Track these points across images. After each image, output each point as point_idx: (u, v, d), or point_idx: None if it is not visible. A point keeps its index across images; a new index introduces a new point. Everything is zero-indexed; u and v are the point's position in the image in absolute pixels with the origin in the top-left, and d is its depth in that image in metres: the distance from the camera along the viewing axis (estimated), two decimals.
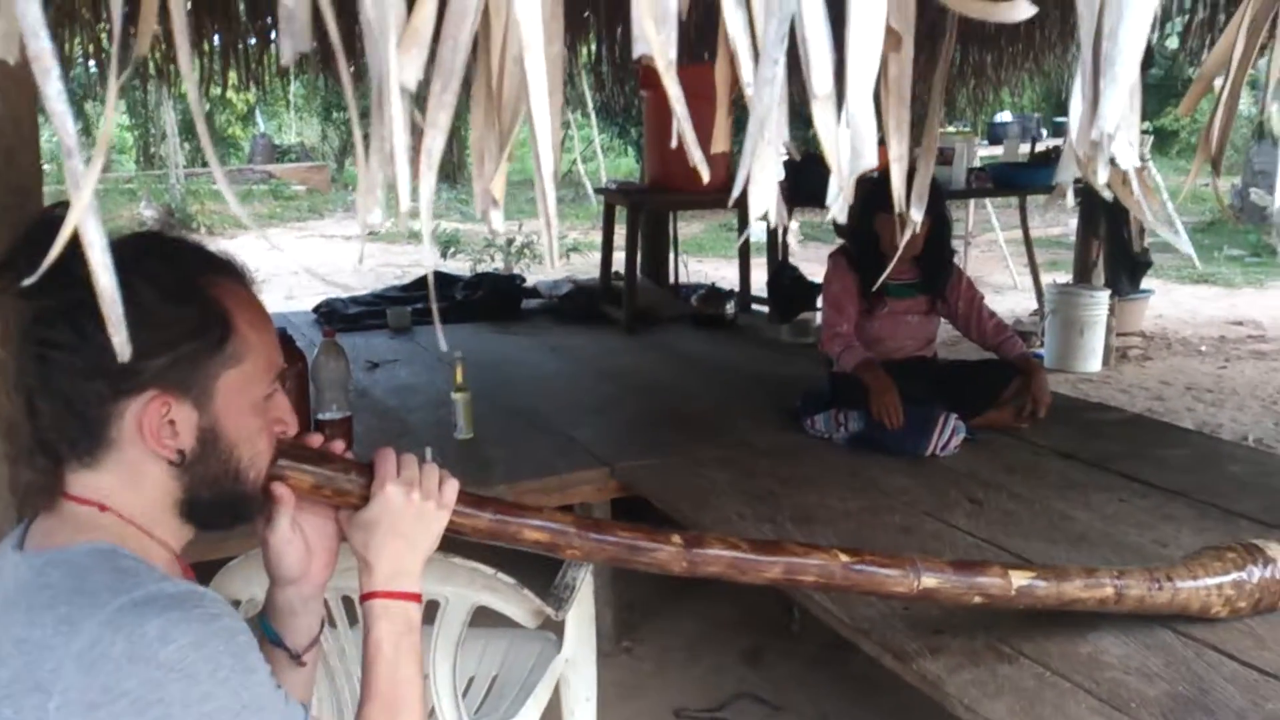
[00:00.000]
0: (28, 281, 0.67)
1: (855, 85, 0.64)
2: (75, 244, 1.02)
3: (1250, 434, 4.88)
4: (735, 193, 0.65)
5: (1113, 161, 0.69)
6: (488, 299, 5.38)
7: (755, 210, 0.65)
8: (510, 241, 9.49)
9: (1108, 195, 0.74)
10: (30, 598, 0.94)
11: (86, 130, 15.83)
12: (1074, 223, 8.44)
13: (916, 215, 0.72)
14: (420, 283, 5.95)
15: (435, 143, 0.58)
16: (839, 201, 0.67)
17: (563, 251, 9.95)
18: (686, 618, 3.18)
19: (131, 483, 1.04)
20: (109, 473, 1.03)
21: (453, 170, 16.09)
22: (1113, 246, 6.29)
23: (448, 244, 10.03)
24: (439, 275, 5.99)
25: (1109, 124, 0.64)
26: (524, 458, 3.06)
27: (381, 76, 0.59)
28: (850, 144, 0.65)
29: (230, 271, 1.11)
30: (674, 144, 0.66)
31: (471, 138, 0.64)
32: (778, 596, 3.07)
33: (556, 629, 1.98)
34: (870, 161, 0.67)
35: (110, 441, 1.02)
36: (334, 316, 5.11)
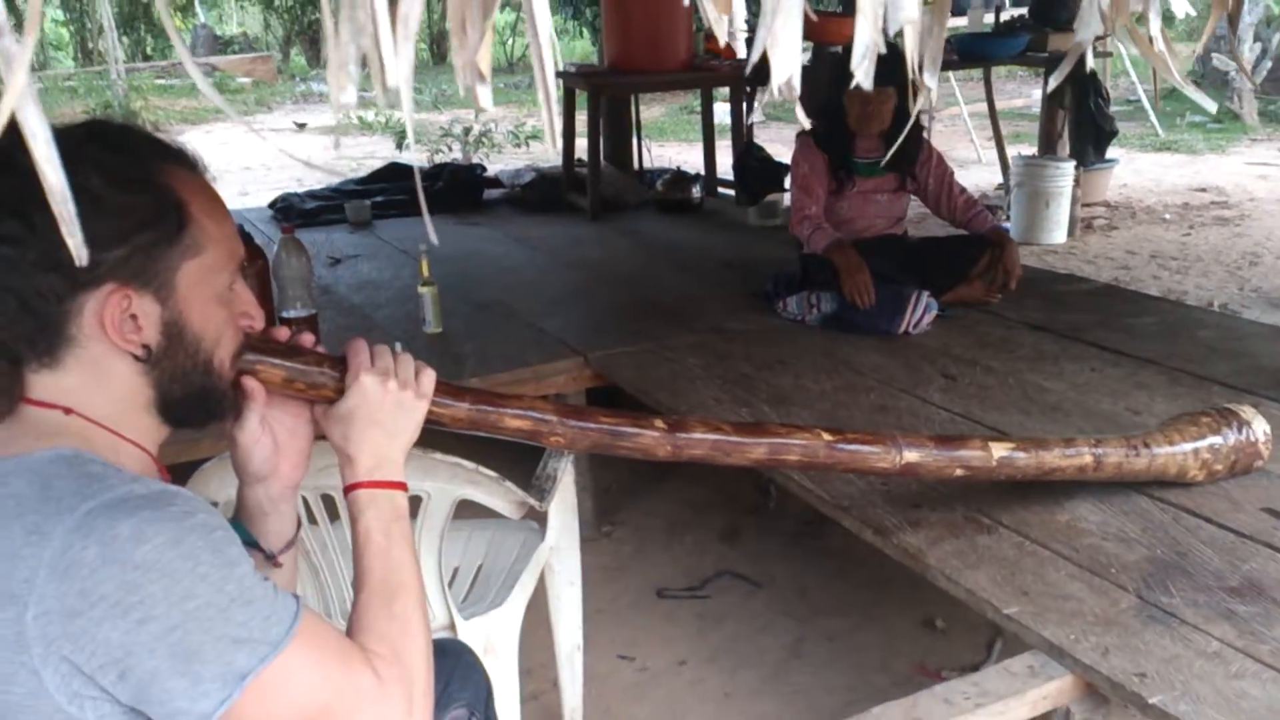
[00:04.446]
0: None
1: None
2: (15, 130, 0.95)
3: (1215, 300, 4.92)
4: (754, 56, 0.60)
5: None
6: (448, 190, 5.25)
7: (778, 75, 0.59)
8: (467, 130, 9.27)
9: (1131, 51, 0.70)
10: None
11: (11, 9, 15.18)
12: (1037, 94, 8.36)
13: (931, 81, 0.68)
14: (378, 175, 5.79)
15: (412, 9, 0.53)
16: (865, 64, 0.61)
17: (522, 139, 9.74)
18: (664, 501, 3.21)
19: (97, 382, 1.00)
20: (72, 373, 0.99)
21: None
22: (1078, 116, 6.24)
23: (401, 134, 9.79)
24: (396, 166, 5.83)
25: None
26: (495, 350, 3.02)
27: None
28: None
29: (181, 159, 1.06)
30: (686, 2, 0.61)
31: (450, 6, 0.58)
32: (753, 477, 3.10)
33: (538, 518, 1.98)
34: (911, 15, 0.61)
35: (70, 339, 0.98)
36: (291, 212, 4.98)
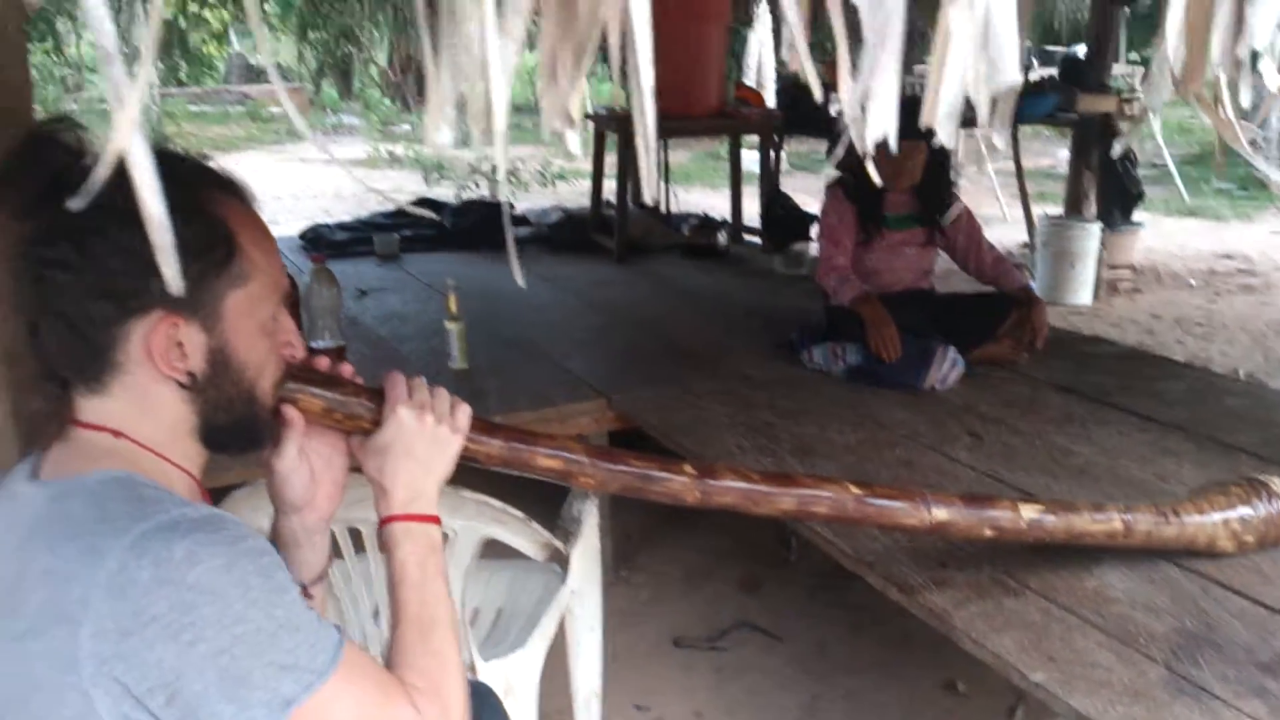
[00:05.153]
0: (73, 204, 0.61)
1: None
2: (75, 157, 0.96)
3: (1241, 368, 4.89)
4: (849, 108, 0.60)
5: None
6: (477, 226, 5.28)
7: (873, 132, 0.60)
8: (494, 169, 9.34)
9: (1230, 114, 0.70)
10: (50, 529, 0.92)
11: (57, 50, 15.45)
12: (1063, 154, 8.39)
13: (999, 142, 0.68)
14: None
15: (509, 55, 0.53)
16: (948, 125, 0.61)
17: (550, 179, 9.82)
18: (683, 548, 3.18)
19: (143, 408, 1.00)
20: (119, 398, 1.00)
21: None
22: (1105, 178, 6.24)
23: (430, 168, 9.88)
24: (425, 201, 5.88)
25: (1260, 39, 0.60)
26: (519, 389, 3.03)
27: None
28: (988, 56, 0.60)
29: (232, 189, 1.07)
30: (790, 65, 0.62)
31: (543, 47, 0.59)
32: (773, 528, 3.08)
33: (559, 560, 1.97)
34: (1012, 76, 0.62)
35: (117, 365, 0.98)
36: (320, 243, 5.03)
